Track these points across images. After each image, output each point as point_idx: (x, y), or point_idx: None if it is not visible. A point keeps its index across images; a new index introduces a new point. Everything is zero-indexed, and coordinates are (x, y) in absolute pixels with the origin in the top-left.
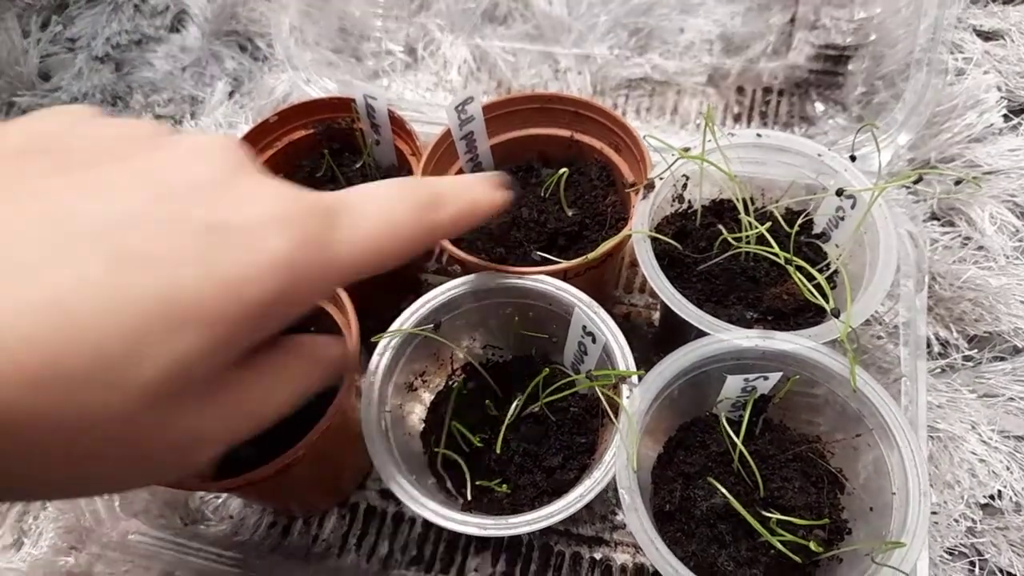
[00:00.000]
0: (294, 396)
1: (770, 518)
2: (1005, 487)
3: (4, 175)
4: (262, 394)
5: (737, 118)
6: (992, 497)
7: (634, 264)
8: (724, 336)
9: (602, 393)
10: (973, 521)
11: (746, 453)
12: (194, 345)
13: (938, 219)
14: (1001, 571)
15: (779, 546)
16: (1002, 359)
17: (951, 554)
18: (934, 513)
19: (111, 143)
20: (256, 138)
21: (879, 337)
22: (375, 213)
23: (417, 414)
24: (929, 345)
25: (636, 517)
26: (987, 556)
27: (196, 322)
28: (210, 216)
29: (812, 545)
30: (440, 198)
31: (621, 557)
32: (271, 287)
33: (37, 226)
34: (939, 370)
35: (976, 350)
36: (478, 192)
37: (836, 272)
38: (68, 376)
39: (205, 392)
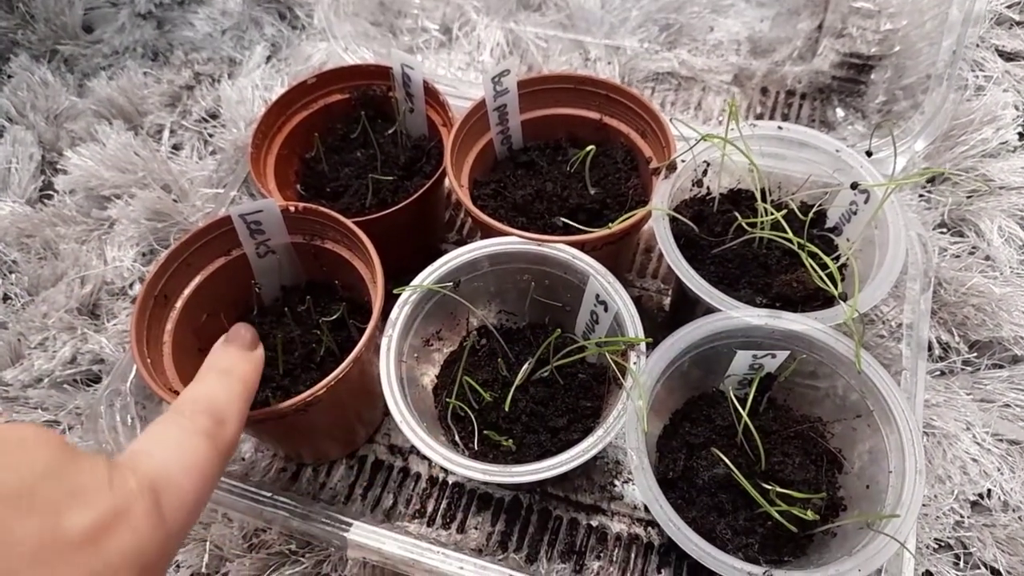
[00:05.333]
0: None
1: (769, 490)
2: (995, 486)
3: None
4: None
5: (759, 118)
6: (981, 495)
7: (648, 250)
8: (735, 313)
9: (611, 359)
10: (961, 516)
11: (751, 426)
12: None
13: (948, 228)
14: (985, 565)
15: (776, 516)
16: (1001, 367)
17: (938, 545)
18: (924, 505)
19: None
20: (293, 98)
21: (881, 336)
22: (183, 470)
23: (430, 375)
24: (930, 348)
25: (643, 476)
26: (972, 550)
27: None
28: (41, 533)
29: (809, 514)
30: (218, 409)
31: (617, 526)
32: None
33: None
34: (938, 372)
35: (976, 355)
36: (241, 370)
37: (845, 265)
38: None
39: None
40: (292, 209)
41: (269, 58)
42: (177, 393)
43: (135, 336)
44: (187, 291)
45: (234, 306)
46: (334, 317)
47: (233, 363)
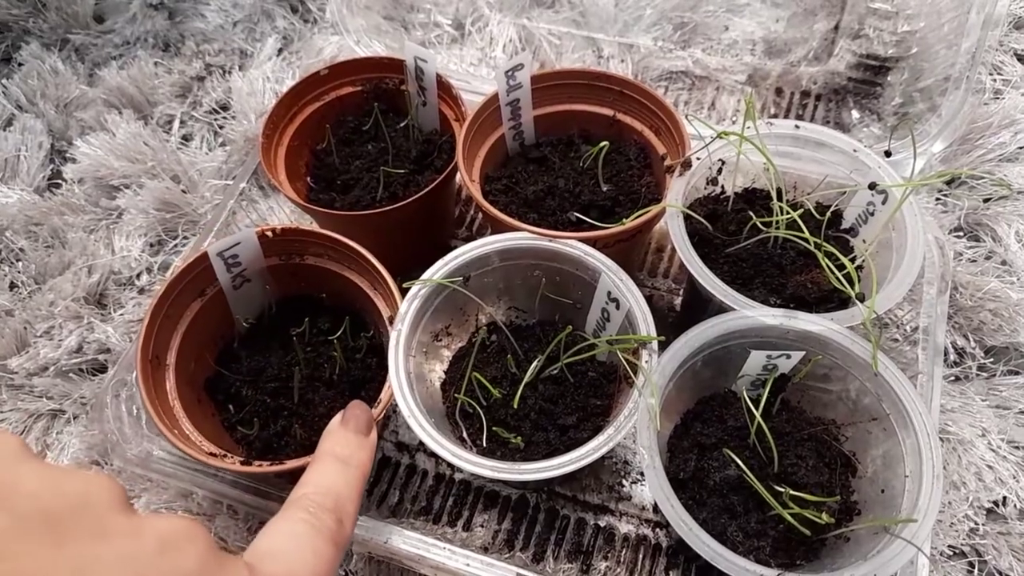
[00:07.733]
0: None
1: (782, 492)
2: (1011, 494)
3: None
4: None
5: (774, 118)
6: (997, 503)
7: (659, 249)
8: (749, 312)
9: (623, 357)
10: (976, 523)
11: (765, 427)
12: None
13: (964, 233)
14: (1000, 574)
15: (788, 518)
16: (1017, 373)
17: (952, 552)
18: (939, 511)
19: (69, 507)
20: (306, 89)
21: (896, 340)
22: (312, 575)
23: (438, 371)
24: (945, 354)
25: (654, 475)
26: (987, 558)
27: None
28: None
29: (824, 517)
30: (340, 506)
31: (625, 527)
32: None
33: None
34: (953, 378)
35: (992, 361)
36: (358, 459)
37: (860, 267)
38: None
39: None
40: (270, 234)
41: (280, 51)
42: (214, 455)
43: (154, 413)
44: (175, 344)
45: (214, 342)
46: (338, 334)
47: (352, 451)
